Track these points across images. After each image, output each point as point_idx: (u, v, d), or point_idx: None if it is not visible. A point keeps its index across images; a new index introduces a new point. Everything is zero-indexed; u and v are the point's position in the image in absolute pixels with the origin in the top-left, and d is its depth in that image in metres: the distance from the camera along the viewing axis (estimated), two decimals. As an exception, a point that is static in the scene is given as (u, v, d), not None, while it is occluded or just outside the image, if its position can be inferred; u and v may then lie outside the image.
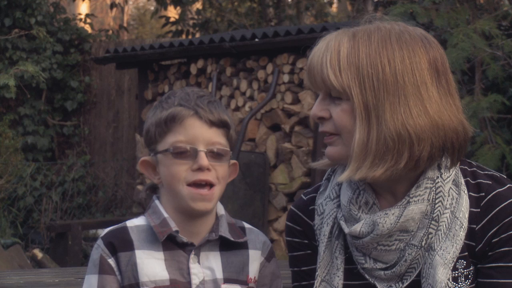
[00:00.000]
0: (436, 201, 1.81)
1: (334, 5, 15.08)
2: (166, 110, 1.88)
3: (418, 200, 1.81)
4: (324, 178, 1.99)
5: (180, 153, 1.84)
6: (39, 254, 7.86)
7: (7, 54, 9.99)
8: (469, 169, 1.89)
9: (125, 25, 14.70)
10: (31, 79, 9.46)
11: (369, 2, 7.52)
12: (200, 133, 1.85)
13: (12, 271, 5.80)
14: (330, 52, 1.79)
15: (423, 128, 1.75)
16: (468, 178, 1.86)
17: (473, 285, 1.85)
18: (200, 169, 1.84)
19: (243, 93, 7.64)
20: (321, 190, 1.97)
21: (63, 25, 10.61)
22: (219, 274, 1.88)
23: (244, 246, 1.93)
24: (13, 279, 4.09)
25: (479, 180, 1.86)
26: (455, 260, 1.80)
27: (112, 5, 12.53)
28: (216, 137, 1.87)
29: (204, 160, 1.84)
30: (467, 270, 1.83)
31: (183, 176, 1.84)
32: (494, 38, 5.33)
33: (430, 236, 1.81)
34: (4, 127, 9.38)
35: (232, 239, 1.89)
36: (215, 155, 1.86)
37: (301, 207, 2.00)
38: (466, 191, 1.84)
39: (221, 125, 1.88)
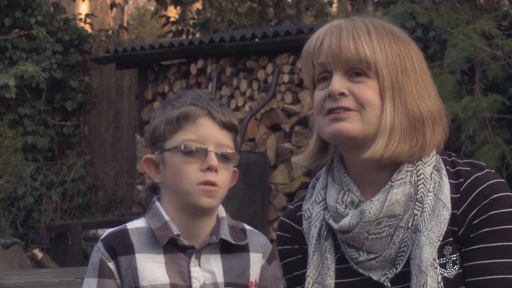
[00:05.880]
0: (419, 183, 1.86)
1: (334, 5, 15.08)
2: (178, 108, 1.87)
3: (401, 183, 1.85)
4: (309, 187, 2.02)
5: (189, 152, 1.84)
6: (39, 254, 7.87)
7: (7, 54, 9.99)
8: (448, 159, 1.94)
9: (125, 25, 14.69)
10: (31, 79, 9.46)
11: (369, 2, 7.52)
12: (211, 133, 1.86)
13: (12, 271, 5.80)
14: (361, 30, 1.86)
15: (439, 110, 1.89)
16: (448, 167, 1.91)
17: (461, 270, 1.86)
18: (209, 169, 1.84)
19: (243, 93, 7.64)
20: (307, 197, 2.00)
21: (63, 25, 10.61)
22: (220, 278, 1.87)
23: (245, 249, 1.92)
24: (13, 279, 4.09)
25: (458, 168, 1.91)
26: (440, 239, 1.82)
27: (112, 5, 12.54)
28: (226, 140, 1.87)
29: (214, 160, 1.84)
30: (454, 255, 1.86)
31: (192, 175, 1.83)
32: (494, 38, 5.33)
33: (416, 217, 1.84)
34: (4, 127, 9.38)
35: (233, 242, 1.89)
36: (223, 158, 1.86)
37: (289, 215, 2.04)
38: (447, 176, 1.88)
39: (231, 128, 1.89)
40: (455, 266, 1.86)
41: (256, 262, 1.92)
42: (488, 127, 5.52)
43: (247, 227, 1.97)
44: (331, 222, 1.90)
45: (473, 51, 5.17)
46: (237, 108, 7.62)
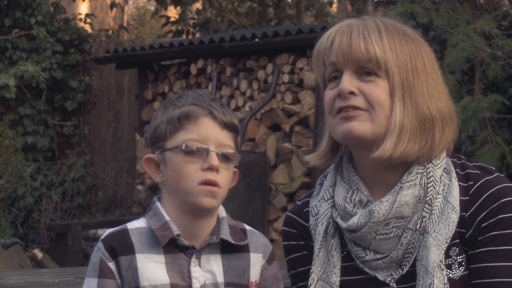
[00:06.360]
0: (428, 185, 1.86)
1: (334, 5, 15.08)
2: (179, 108, 1.87)
3: (410, 185, 1.86)
4: (317, 183, 2.03)
5: (191, 151, 1.84)
6: (39, 254, 7.86)
7: (7, 54, 9.99)
8: (458, 162, 1.94)
9: (125, 25, 14.68)
10: (31, 79, 9.46)
11: (369, 2, 7.53)
12: (212, 133, 1.86)
13: (12, 271, 5.80)
14: (371, 29, 1.86)
15: (450, 111, 1.89)
16: (458, 169, 1.92)
17: (467, 272, 1.87)
18: (210, 169, 1.84)
19: (243, 93, 7.64)
20: (314, 193, 2.01)
21: (63, 25, 10.61)
22: (220, 278, 1.87)
23: (245, 249, 1.92)
24: (13, 279, 4.09)
25: (467, 171, 1.91)
26: (448, 242, 1.83)
27: (112, 5, 12.54)
28: (227, 140, 1.88)
29: (215, 160, 1.84)
30: (460, 257, 1.87)
31: (193, 175, 1.84)
32: (494, 38, 5.33)
33: (424, 220, 1.85)
34: (4, 127, 9.38)
35: (233, 242, 1.89)
36: (224, 158, 1.87)
37: (296, 211, 2.04)
38: (456, 179, 1.89)
39: (232, 128, 1.89)
40: (461, 267, 1.86)
41: (256, 262, 1.93)
42: (488, 127, 5.52)
43: (247, 227, 1.97)
44: (339, 220, 1.90)
45: (473, 51, 5.17)
46: (237, 108, 7.62)
